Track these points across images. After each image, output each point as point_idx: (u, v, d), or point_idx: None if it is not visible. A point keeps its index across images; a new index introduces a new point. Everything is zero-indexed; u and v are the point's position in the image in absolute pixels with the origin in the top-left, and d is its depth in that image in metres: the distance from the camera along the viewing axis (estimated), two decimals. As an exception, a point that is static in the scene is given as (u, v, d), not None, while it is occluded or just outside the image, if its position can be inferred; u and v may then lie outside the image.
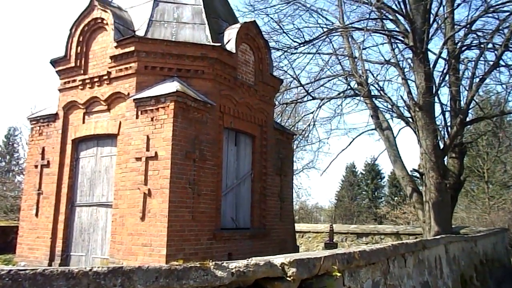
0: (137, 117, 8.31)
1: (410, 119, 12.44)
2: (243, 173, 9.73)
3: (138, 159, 8.07)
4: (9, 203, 19.34)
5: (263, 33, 10.63)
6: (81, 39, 9.33)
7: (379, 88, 13.75)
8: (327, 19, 14.84)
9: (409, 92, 11.91)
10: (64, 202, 9.11)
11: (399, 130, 41.43)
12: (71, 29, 9.43)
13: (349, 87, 14.60)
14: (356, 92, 14.27)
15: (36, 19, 64.83)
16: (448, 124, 12.51)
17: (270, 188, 10.21)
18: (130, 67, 8.62)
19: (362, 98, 14.47)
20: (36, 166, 9.72)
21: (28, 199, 9.76)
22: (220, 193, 8.75)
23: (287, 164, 11.07)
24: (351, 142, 15.50)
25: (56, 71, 9.72)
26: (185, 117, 8.07)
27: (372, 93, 13.88)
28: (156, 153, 7.89)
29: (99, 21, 9.15)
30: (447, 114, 12.63)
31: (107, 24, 8.98)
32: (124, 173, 8.23)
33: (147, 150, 8.00)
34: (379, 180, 46.57)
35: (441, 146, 11.68)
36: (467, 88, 12.19)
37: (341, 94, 14.65)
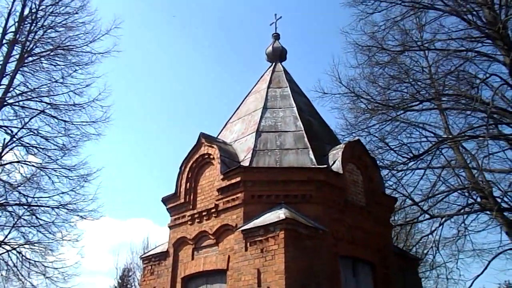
0: (246, 250, 7.84)
1: None
2: (366, 309, 8.36)
3: (250, 296, 7.36)
4: None
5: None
6: (189, 175, 9.66)
7: (510, 201, 12.04)
8: (431, 132, 14.16)
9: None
10: None
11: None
12: (181, 167, 9.86)
13: (471, 202, 13.03)
14: (482, 206, 12.62)
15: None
16: None
17: (401, 327, 8.55)
18: (237, 197, 8.51)
19: (490, 213, 12.68)
20: (147, 308, 9.41)
21: None
22: (343, 336, 7.44)
23: (416, 296, 9.42)
24: (486, 267, 13.14)
25: (167, 209, 9.98)
26: (297, 246, 7.41)
27: (502, 206, 12.14)
28: (268, 288, 7.14)
29: (206, 156, 9.49)
30: None
31: (213, 158, 9.27)
32: (235, 313, 7.48)
33: (259, 285, 7.29)
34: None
35: None
36: None
37: (463, 210, 13.07)
